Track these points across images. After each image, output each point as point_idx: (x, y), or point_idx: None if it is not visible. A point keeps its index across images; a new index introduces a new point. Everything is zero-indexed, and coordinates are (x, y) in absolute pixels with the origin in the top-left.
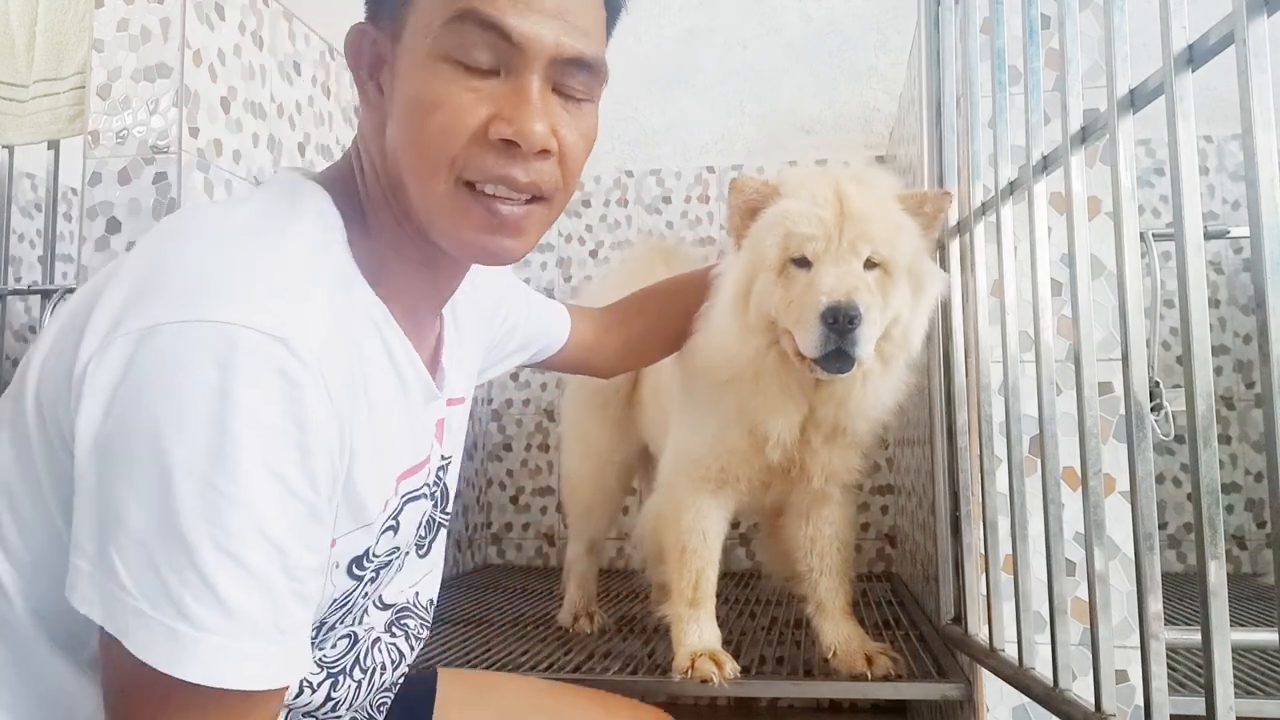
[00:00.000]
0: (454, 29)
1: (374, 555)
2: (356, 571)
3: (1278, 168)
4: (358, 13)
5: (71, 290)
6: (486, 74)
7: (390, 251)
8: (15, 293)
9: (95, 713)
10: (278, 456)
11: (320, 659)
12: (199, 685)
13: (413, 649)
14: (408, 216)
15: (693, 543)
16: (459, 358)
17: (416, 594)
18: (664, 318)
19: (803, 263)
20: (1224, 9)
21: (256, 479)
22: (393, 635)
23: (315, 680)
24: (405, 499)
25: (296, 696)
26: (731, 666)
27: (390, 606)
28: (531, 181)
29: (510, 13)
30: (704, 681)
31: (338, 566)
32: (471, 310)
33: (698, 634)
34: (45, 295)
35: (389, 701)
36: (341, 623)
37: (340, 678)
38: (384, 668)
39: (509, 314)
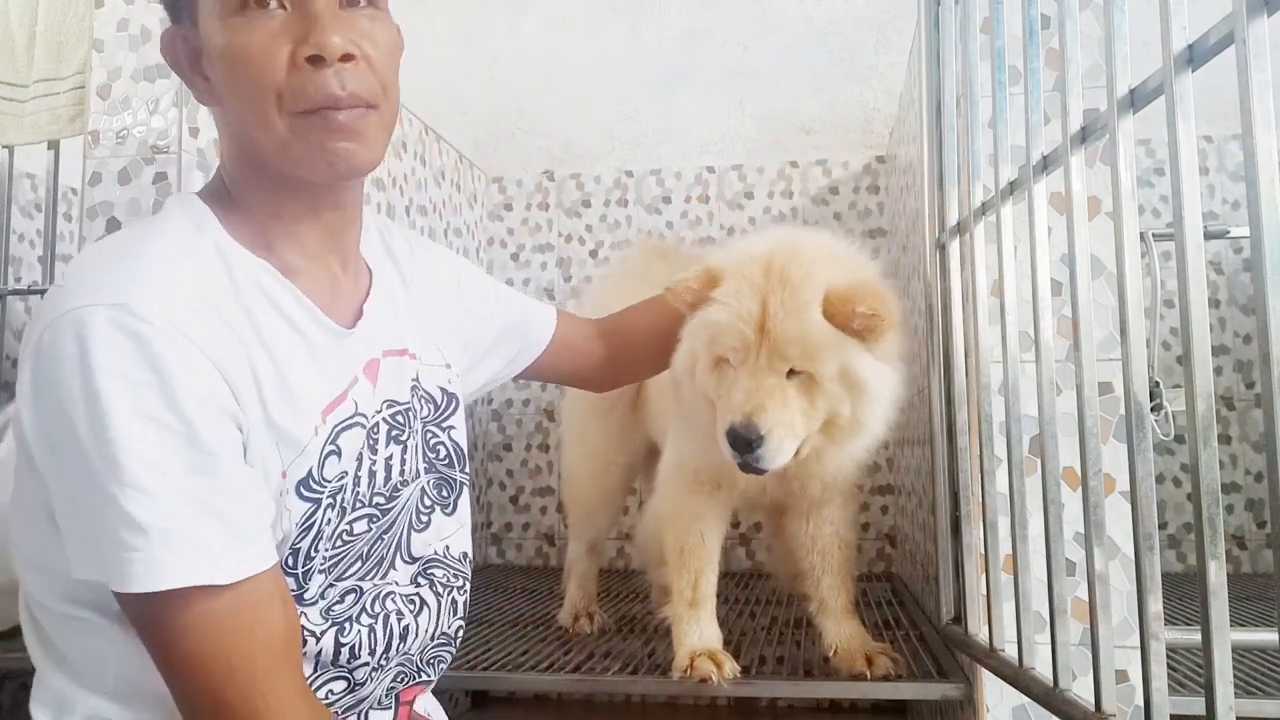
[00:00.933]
0: None
1: (323, 479)
2: (306, 493)
3: (1278, 168)
4: None
5: None
6: (275, 12)
7: (270, 220)
8: (15, 293)
9: (125, 658)
10: (141, 400)
11: (324, 610)
12: (149, 593)
13: (439, 596)
14: (271, 172)
15: (690, 543)
16: (396, 309)
17: (446, 547)
18: (651, 334)
19: (727, 363)
20: (1224, 9)
21: (128, 422)
22: (416, 586)
23: (319, 629)
24: (337, 428)
25: (302, 646)
26: (730, 666)
27: (418, 559)
28: (351, 92)
29: None
30: (703, 681)
31: (288, 492)
32: (422, 275)
33: (697, 634)
34: (45, 295)
35: (447, 658)
36: (324, 559)
37: (347, 625)
38: (400, 614)
39: (473, 292)
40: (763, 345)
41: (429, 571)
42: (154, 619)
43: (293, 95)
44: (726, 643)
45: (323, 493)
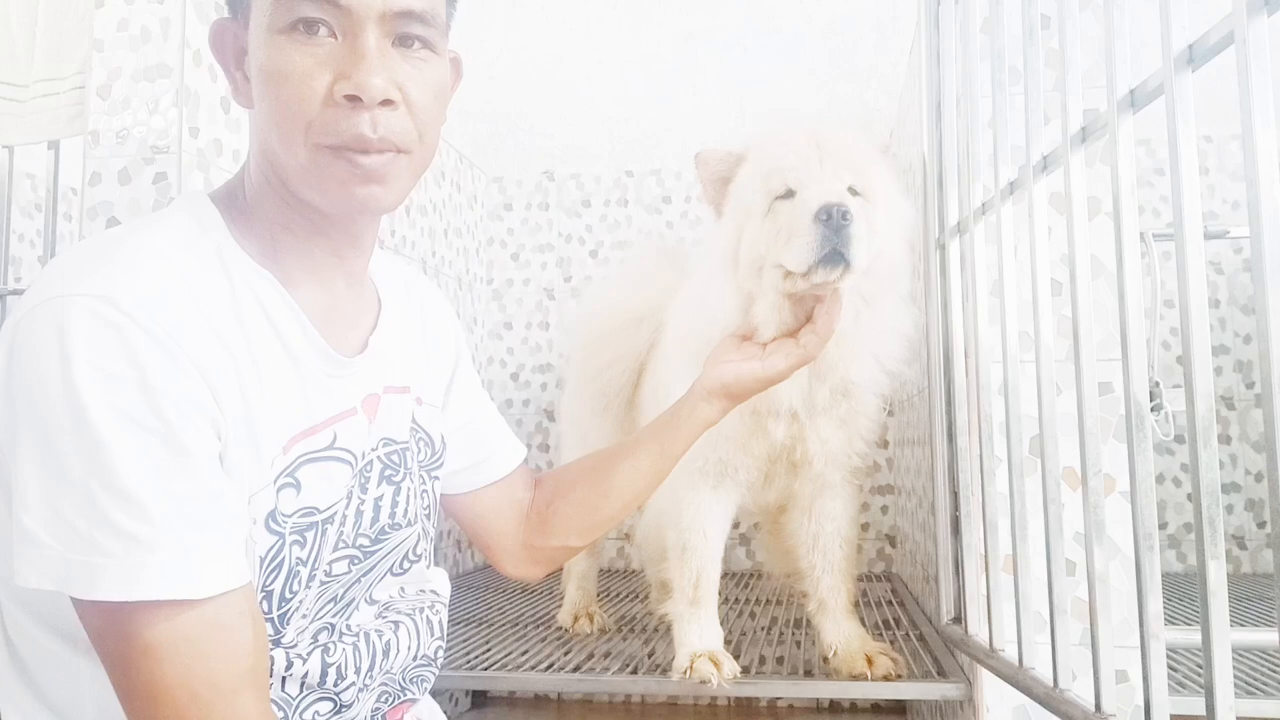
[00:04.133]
0: (284, 3)
1: (282, 514)
2: (273, 526)
3: (1278, 168)
4: None
5: None
6: (324, 39)
7: (280, 231)
8: (15, 293)
9: (97, 695)
10: (119, 397)
11: (299, 635)
12: (117, 604)
13: (411, 616)
14: (286, 187)
15: (693, 540)
16: (406, 346)
17: (401, 589)
18: (582, 478)
19: (788, 195)
20: (1224, 9)
21: (108, 420)
22: (381, 618)
23: (305, 652)
24: (301, 459)
25: (289, 668)
26: (730, 667)
27: (377, 602)
28: (382, 136)
29: None
30: (703, 682)
31: (255, 522)
32: (439, 332)
33: (699, 634)
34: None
35: (430, 677)
36: (304, 603)
37: (331, 646)
38: (380, 631)
39: (464, 380)
40: (824, 161)
41: (392, 606)
42: (117, 632)
43: (322, 128)
44: (726, 642)
45: (285, 528)
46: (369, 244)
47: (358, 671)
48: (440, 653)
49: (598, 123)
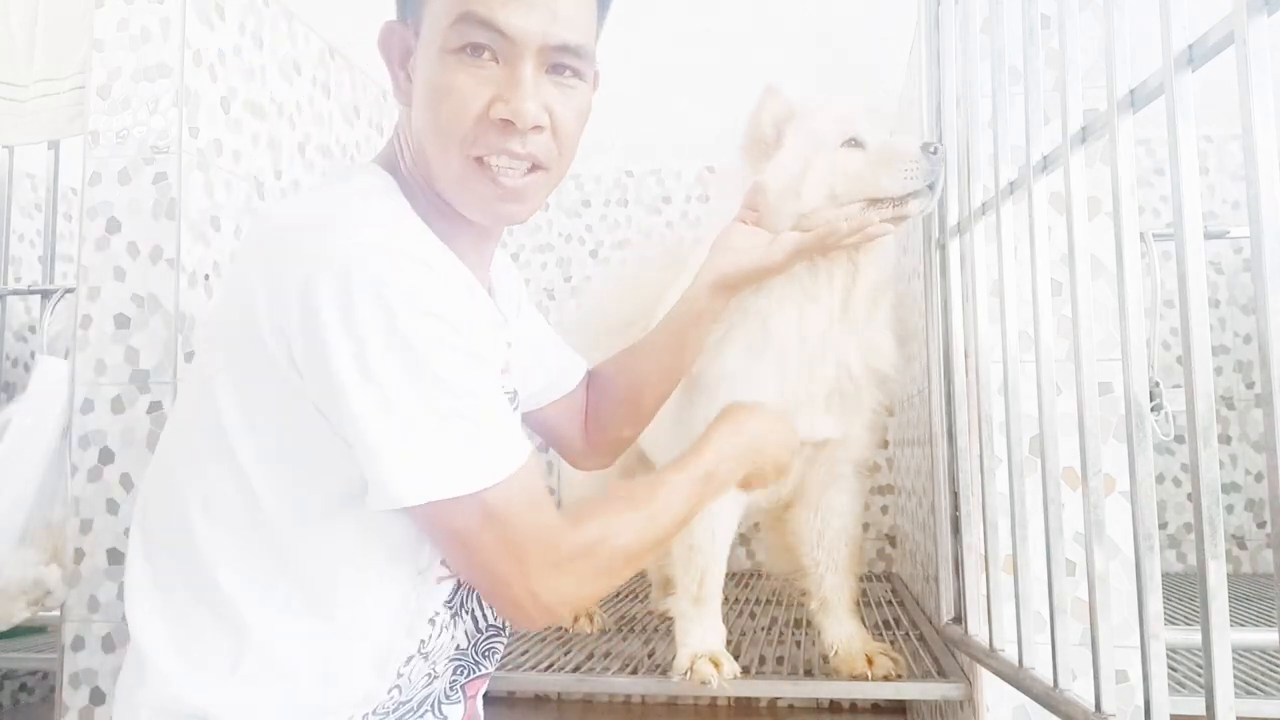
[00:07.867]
0: (458, 28)
1: None
2: None
3: (1278, 168)
4: (357, 12)
5: (71, 290)
6: (486, 63)
7: (432, 211)
8: (15, 293)
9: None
10: (439, 327)
11: (444, 602)
12: (489, 488)
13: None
14: (433, 187)
15: (700, 538)
16: (507, 314)
17: None
18: (620, 373)
19: (853, 144)
20: (1224, 9)
21: (431, 350)
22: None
23: (442, 621)
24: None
25: (437, 637)
26: (730, 668)
27: None
28: (529, 152)
29: (501, 10)
30: (703, 683)
31: None
32: (511, 293)
33: (700, 634)
34: (45, 295)
35: (499, 648)
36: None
37: (459, 616)
38: (473, 609)
39: (531, 322)
40: (883, 123)
41: None
42: (483, 519)
43: (474, 141)
44: (726, 642)
45: None
46: (497, 231)
47: (458, 649)
48: (508, 624)
49: (598, 122)
